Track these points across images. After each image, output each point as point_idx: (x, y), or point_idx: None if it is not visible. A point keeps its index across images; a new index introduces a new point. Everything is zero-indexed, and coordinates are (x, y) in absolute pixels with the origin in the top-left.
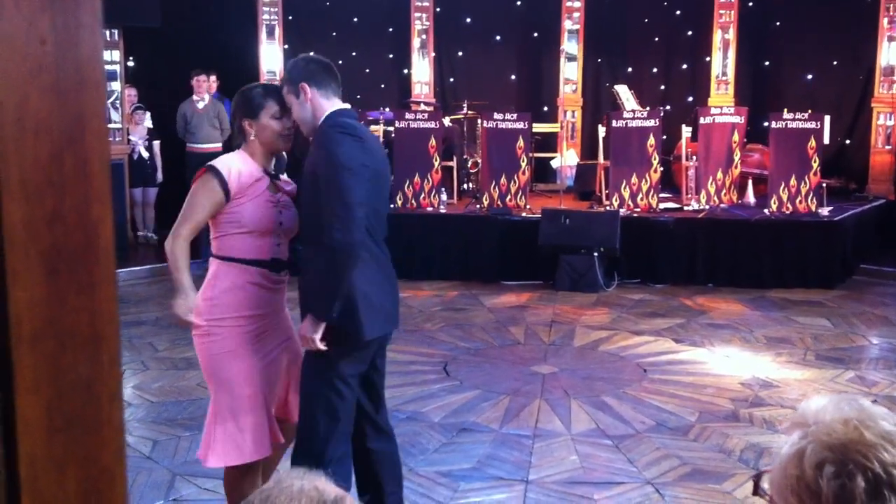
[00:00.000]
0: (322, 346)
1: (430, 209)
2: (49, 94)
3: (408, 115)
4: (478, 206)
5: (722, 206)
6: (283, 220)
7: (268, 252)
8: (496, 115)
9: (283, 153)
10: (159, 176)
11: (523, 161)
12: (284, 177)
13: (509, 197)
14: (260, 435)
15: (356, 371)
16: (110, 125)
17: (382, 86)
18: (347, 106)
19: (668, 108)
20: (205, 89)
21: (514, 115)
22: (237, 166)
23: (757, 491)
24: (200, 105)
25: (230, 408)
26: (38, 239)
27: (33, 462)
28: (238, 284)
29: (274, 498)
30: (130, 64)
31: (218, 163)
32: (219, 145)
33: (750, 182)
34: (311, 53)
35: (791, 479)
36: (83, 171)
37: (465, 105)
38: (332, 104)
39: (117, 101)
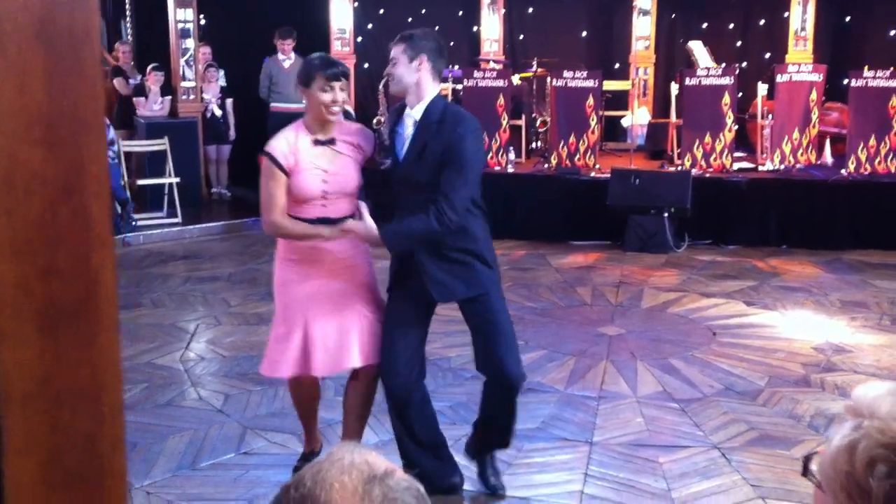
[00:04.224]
0: None
1: (497, 168)
2: (42, 147)
3: (476, 74)
4: (546, 165)
5: (798, 166)
6: (328, 188)
7: (313, 213)
8: (566, 73)
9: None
10: (232, 133)
11: (593, 120)
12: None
13: (578, 156)
14: (292, 357)
15: None
16: (184, 83)
17: (452, 43)
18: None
19: (743, 65)
20: (290, 51)
21: (584, 73)
22: (290, 142)
23: (806, 473)
24: (287, 64)
25: (276, 331)
26: (31, 297)
27: None
28: None
29: (325, 472)
30: (202, 22)
31: (272, 145)
32: (302, 105)
33: (828, 142)
34: (437, 30)
35: (841, 474)
36: (82, 220)
37: (534, 63)
38: (434, 86)
39: (191, 59)
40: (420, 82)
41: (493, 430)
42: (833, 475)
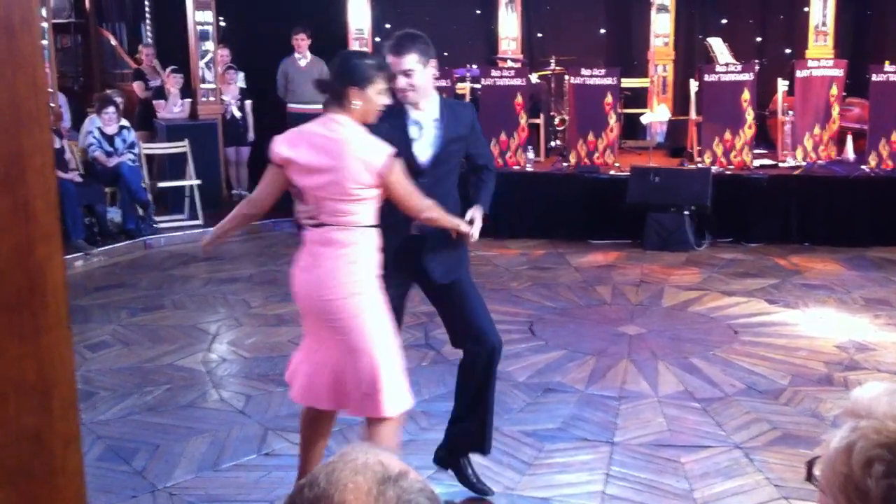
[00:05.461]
0: None
1: (516, 167)
2: None
3: (494, 73)
4: (565, 163)
5: (819, 162)
6: None
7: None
8: (584, 71)
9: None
10: (251, 135)
11: (612, 117)
12: None
13: (597, 154)
14: (301, 387)
15: None
16: (204, 85)
17: (469, 42)
18: None
19: (763, 60)
20: (305, 47)
21: (603, 71)
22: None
23: (810, 478)
24: (303, 63)
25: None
26: None
27: None
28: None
29: (339, 472)
30: (222, 24)
31: (378, 141)
32: (320, 106)
33: (849, 137)
34: (420, 27)
35: (840, 476)
36: (23, 212)
37: (552, 61)
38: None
39: (210, 62)
40: (427, 85)
41: (471, 423)
42: (832, 477)
